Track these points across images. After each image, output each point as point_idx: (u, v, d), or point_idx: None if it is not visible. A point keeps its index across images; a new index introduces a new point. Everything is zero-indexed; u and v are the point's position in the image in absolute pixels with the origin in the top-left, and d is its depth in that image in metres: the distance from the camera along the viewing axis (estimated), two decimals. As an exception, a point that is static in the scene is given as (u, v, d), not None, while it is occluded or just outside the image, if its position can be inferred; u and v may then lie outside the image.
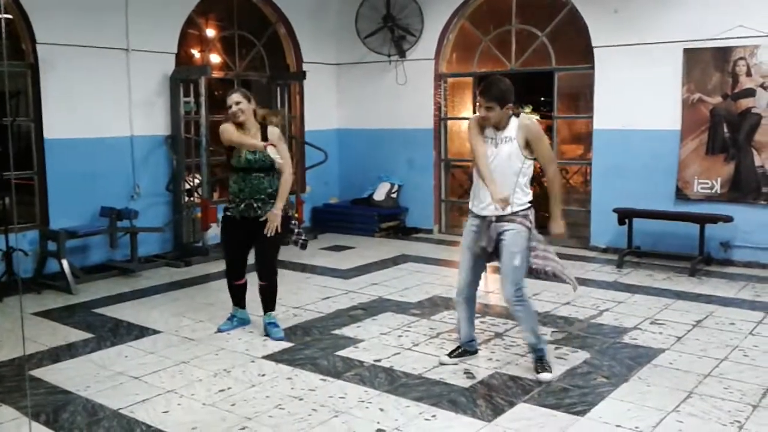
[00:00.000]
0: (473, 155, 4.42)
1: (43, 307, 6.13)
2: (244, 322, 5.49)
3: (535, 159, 4.36)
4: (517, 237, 4.29)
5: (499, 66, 9.23)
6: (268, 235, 5.04)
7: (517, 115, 4.38)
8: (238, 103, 5.04)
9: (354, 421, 3.84)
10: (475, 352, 4.81)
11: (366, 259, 8.03)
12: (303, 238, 5.49)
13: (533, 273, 4.44)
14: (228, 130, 5.05)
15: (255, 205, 5.09)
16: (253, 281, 5.39)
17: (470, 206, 4.54)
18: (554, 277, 4.45)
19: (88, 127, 7.43)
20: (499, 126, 4.35)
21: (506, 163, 4.29)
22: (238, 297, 5.46)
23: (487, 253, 4.43)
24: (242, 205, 5.12)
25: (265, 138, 5.06)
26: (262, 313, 5.38)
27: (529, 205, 4.38)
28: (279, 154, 4.93)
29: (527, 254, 4.35)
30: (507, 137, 4.34)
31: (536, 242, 4.40)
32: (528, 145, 4.30)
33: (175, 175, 8.11)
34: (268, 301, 5.33)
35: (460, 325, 4.75)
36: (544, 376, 4.38)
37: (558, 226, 4.49)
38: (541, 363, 4.46)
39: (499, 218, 4.31)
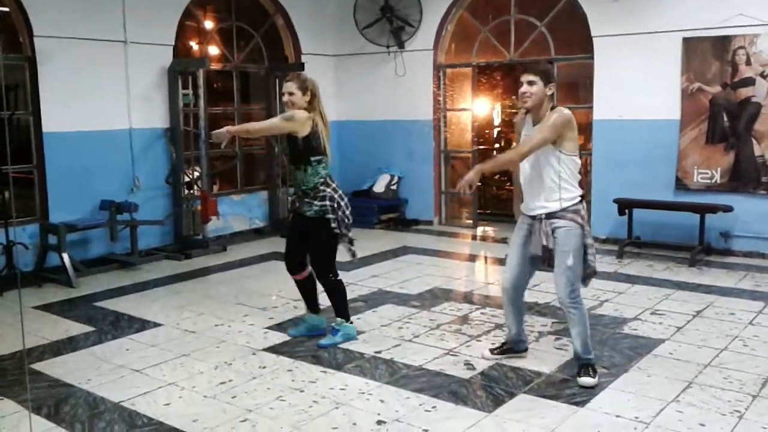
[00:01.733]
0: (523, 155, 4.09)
1: (43, 301, 6.14)
2: (314, 329, 5.10)
3: (574, 154, 4.09)
4: (569, 235, 4.06)
5: (499, 56, 9.22)
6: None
7: (554, 108, 4.11)
8: (291, 94, 4.73)
9: (354, 413, 3.85)
10: (525, 350, 4.62)
11: (366, 251, 8.02)
12: (352, 247, 4.99)
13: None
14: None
15: (295, 198, 4.95)
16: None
17: (521, 208, 4.32)
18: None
19: (87, 120, 7.42)
20: (538, 117, 4.10)
21: (537, 162, 4.07)
22: (305, 297, 5.13)
23: (542, 259, 4.19)
24: (293, 197, 5.05)
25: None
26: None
27: (580, 199, 4.15)
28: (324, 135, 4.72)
29: (581, 253, 4.11)
30: None
31: (591, 240, 4.18)
32: (563, 136, 4.03)
33: (175, 168, 8.10)
34: (333, 303, 5.00)
35: (507, 320, 4.55)
36: (586, 380, 4.14)
37: (472, 172, 4.10)
38: (586, 368, 4.19)
39: (549, 215, 4.10)
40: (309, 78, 4.88)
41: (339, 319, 4.97)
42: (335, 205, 4.75)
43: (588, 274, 4.21)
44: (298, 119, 4.66)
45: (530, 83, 4.05)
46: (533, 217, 4.19)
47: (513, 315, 4.46)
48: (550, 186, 4.08)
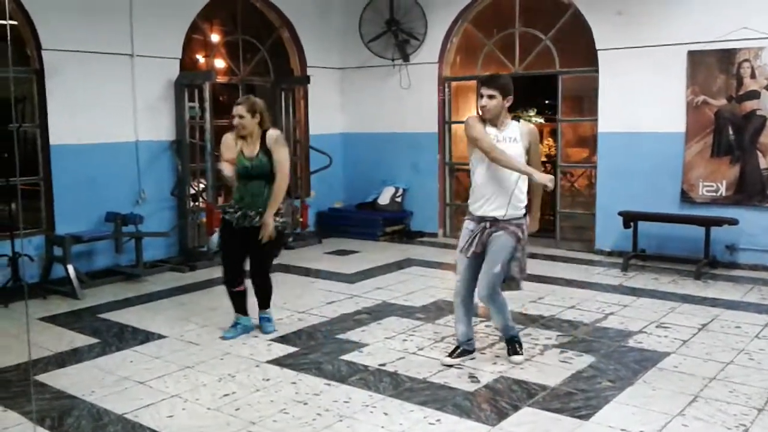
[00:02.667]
0: (484, 149, 4.35)
1: (48, 312, 6.15)
2: (248, 329, 5.47)
3: None
4: (505, 244, 4.43)
5: (503, 69, 9.21)
6: (262, 242, 5.05)
7: (517, 119, 4.47)
8: (241, 117, 5.02)
9: (358, 426, 3.84)
10: (473, 351, 4.83)
11: (371, 263, 8.03)
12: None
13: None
14: (224, 143, 5.16)
15: (250, 214, 5.10)
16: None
17: (470, 208, 4.58)
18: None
19: (94, 133, 7.46)
20: (498, 124, 4.42)
21: (513, 173, 4.41)
22: (239, 304, 5.44)
23: (478, 255, 4.54)
24: (239, 213, 5.14)
25: (263, 144, 5.06)
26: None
27: (524, 212, 4.49)
28: (274, 153, 5.01)
29: (508, 262, 4.48)
30: (511, 137, 4.42)
31: (521, 254, 4.53)
32: (527, 150, 4.46)
33: (180, 180, 8.13)
34: (262, 298, 5.44)
35: (456, 325, 4.78)
36: (516, 358, 4.67)
37: (536, 224, 4.77)
38: (512, 345, 4.72)
39: (494, 222, 4.43)
40: (258, 100, 5.17)
41: (267, 309, 5.47)
42: (283, 212, 5.30)
43: (507, 279, 4.57)
44: (281, 143, 5.13)
45: (490, 97, 4.38)
46: (481, 219, 4.48)
47: (464, 315, 4.72)
48: (511, 193, 4.39)
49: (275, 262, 5.68)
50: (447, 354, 4.81)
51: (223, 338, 5.35)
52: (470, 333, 4.79)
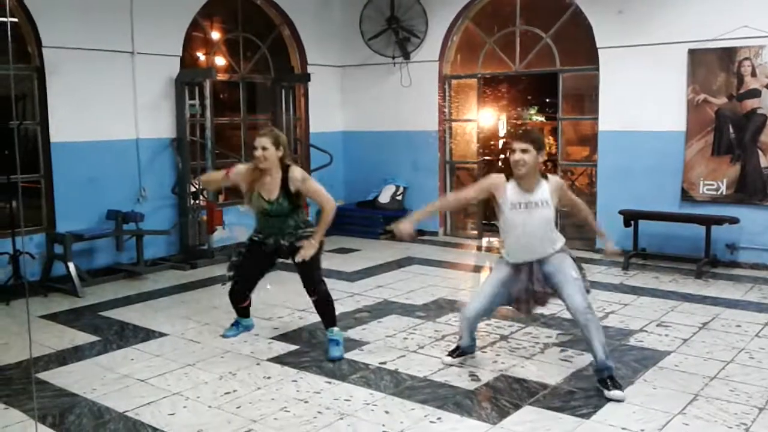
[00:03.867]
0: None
1: (49, 310, 6.16)
2: (249, 327, 5.44)
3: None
4: (561, 257, 4.35)
5: (504, 67, 9.24)
6: (300, 260, 4.84)
7: (545, 177, 4.35)
8: (264, 149, 4.72)
9: (359, 424, 3.84)
10: (473, 352, 4.85)
11: (371, 261, 8.03)
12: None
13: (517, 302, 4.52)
14: (240, 173, 4.88)
15: (282, 241, 4.93)
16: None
17: (511, 256, 4.45)
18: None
19: (94, 131, 7.46)
20: (530, 184, 4.26)
21: (543, 225, 4.30)
22: (241, 312, 5.34)
23: (518, 299, 4.48)
24: (270, 239, 4.96)
25: (285, 181, 4.78)
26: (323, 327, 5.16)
27: (563, 238, 4.46)
28: (309, 193, 4.85)
29: (577, 266, 4.39)
30: (543, 201, 4.27)
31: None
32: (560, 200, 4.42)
33: (181, 178, 8.13)
34: (325, 315, 5.01)
35: (462, 334, 4.72)
36: (615, 393, 4.09)
37: (610, 243, 4.84)
38: (613, 379, 4.17)
39: (541, 262, 4.36)
40: (280, 133, 4.97)
41: (335, 328, 4.99)
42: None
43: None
44: (308, 179, 4.92)
45: (524, 151, 4.21)
46: (521, 264, 4.40)
47: (469, 330, 4.69)
48: (549, 238, 4.33)
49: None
50: (447, 353, 4.83)
51: (224, 337, 5.34)
52: (472, 340, 4.77)
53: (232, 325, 5.43)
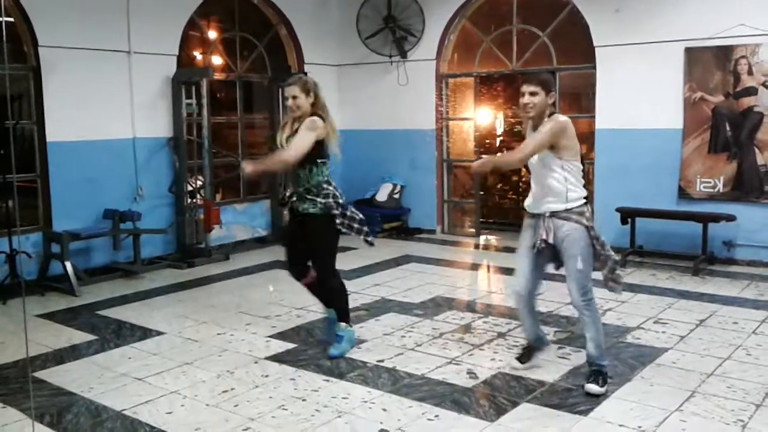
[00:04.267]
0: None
1: (46, 309, 6.14)
2: (351, 340, 4.97)
3: (575, 159, 4.11)
4: (575, 239, 4.08)
5: (501, 66, 9.24)
6: (242, 172, 4.63)
7: (551, 115, 4.13)
8: (294, 97, 4.62)
9: (357, 422, 3.84)
10: (548, 344, 4.68)
11: (369, 259, 8.03)
12: (367, 237, 4.87)
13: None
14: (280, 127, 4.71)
15: (294, 198, 4.75)
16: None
17: (526, 204, 4.36)
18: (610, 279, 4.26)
19: (91, 130, 7.44)
20: (538, 124, 4.12)
21: (543, 170, 4.13)
22: (320, 297, 5.05)
23: (548, 254, 4.23)
24: (293, 199, 4.79)
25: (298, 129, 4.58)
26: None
27: (584, 201, 4.16)
28: (294, 138, 4.53)
29: (590, 254, 4.12)
30: None
31: (596, 242, 4.15)
32: (558, 144, 4.06)
33: (178, 177, 8.12)
34: (338, 306, 4.89)
35: (523, 322, 4.55)
36: (590, 387, 4.12)
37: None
38: (596, 375, 4.15)
39: (553, 214, 4.13)
40: (311, 79, 4.81)
41: (342, 324, 4.91)
42: (339, 202, 4.71)
43: (610, 267, 4.18)
44: (319, 126, 4.59)
45: (532, 94, 4.09)
46: (537, 215, 4.23)
47: (530, 318, 4.46)
48: (557, 188, 4.12)
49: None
50: (516, 357, 4.65)
51: (330, 357, 4.80)
52: (537, 331, 4.56)
53: (328, 331, 5.05)
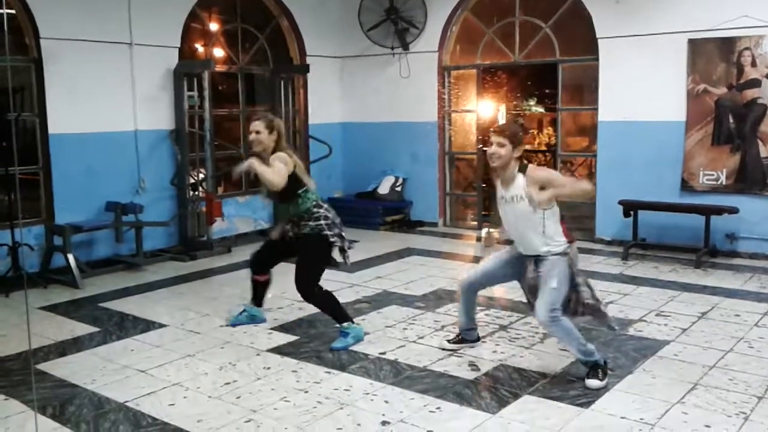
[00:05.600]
0: None
1: (49, 302, 6.16)
2: (255, 319, 5.43)
3: (552, 206, 4.19)
4: (554, 263, 4.15)
5: (504, 58, 9.21)
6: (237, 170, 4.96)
7: (523, 171, 4.21)
8: (257, 132, 4.86)
9: (359, 414, 3.85)
10: (477, 340, 4.86)
11: (371, 252, 8.03)
12: (347, 258, 5.11)
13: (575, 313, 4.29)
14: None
15: (287, 227, 5.03)
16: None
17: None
18: (593, 315, 4.33)
19: (93, 122, 7.44)
20: (506, 178, 4.24)
21: (522, 220, 4.21)
22: (255, 293, 5.41)
23: (521, 277, 4.43)
24: (286, 226, 5.06)
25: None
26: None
27: (567, 244, 4.21)
28: (271, 167, 4.71)
29: (567, 277, 4.15)
30: (517, 196, 4.19)
31: (580, 277, 4.23)
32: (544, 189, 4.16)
33: (180, 170, 8.12)
34: (330, 314, 5.07)
35: (459, 313, 4.80)
36: (590, 382, 4.14)
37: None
38: (594, 370, 4.18)
39: (537, 260, 4.21)
40: (276, 119, 5.05)
41: (344, 324, 4.99)
42: (330, 223, 4.93)
43: (584, 310, 4.27)
44: (288, 161, 4.83)
45: (500, 145, 4.20)
46: (524, 255, 4.35)
47: (465, 308, 4.70)
48: (535, 234, 4.21)
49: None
50: (447, 339, 4.91)
51: (230, 325, 5.35)
52: (471, 323, 4.79)
53: (239, 313, 5.46)
